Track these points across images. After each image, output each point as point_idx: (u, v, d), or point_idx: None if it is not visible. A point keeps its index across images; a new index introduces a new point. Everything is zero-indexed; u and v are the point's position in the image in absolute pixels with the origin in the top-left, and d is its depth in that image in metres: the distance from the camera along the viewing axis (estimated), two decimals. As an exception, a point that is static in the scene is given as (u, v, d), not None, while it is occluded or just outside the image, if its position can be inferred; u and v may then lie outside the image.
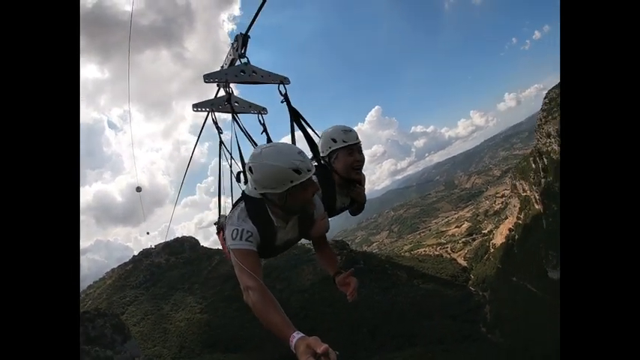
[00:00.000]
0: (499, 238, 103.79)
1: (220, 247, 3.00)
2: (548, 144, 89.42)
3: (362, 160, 2.93)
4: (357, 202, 3.12)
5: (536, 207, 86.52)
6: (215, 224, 3.11)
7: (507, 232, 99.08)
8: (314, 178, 2.56)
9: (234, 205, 2.53)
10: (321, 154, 2.95)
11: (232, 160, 3.07)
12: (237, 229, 2.22)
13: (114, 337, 51.97)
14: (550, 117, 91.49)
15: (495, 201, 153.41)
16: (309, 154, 2.91)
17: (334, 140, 2.87)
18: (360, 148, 2.94)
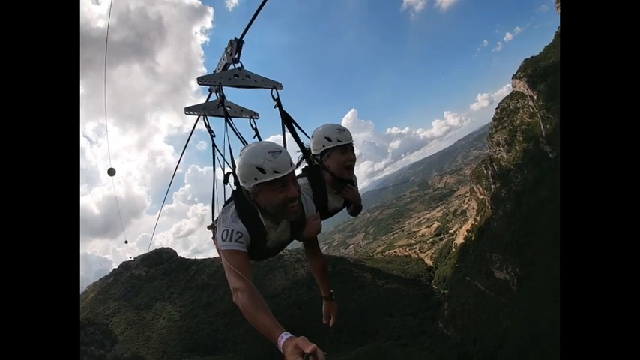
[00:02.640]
0: (459, 239, 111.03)
1: (203, 257, 4.34)
2: (497, 152, 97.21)
3: (354, 159, 2.90)
4: (352, 204, 3.12)
5: (489, 210, 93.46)
6: (209, 228, 3.14)
7: (466, 232, 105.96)
8: (304, 180, 2.80)
9: (224, 205, 2.50)
10: (313, 152, 2.91)
11: (225, 163, 2.95)
12: (228, 230, 2.20)
13: (104, 342, 58.27)
14: (500, 126, 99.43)
15: (464, 201, 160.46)
16: (297, 156, 2.95)
17: (328, 139, 2.82)
18: (353, 147, 2.92)
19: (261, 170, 2.12)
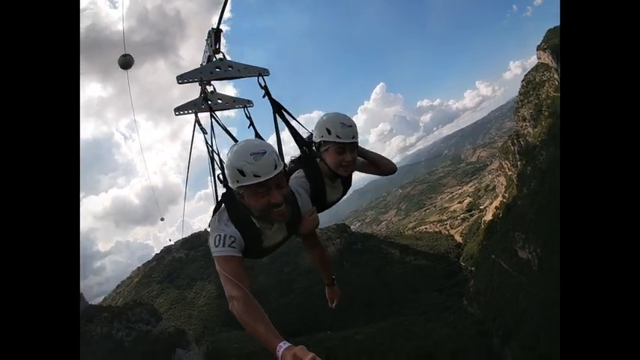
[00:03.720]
0: (488, 215, 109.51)
1: None
2: (524, 127, 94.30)
3: (351, 160, 2.75)
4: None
5: (515, 188, 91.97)
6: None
7: (494, 209, 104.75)
8: (300, 172, 2.73)
9: (215, 209, 2.43)
10: (314, 140, 2.79)
11: (214, 161, 2.81)
12: (220, 235, 2.12)
13: (149, 319, 65.27)
14: (526, 100, 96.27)
15: (496, 176, 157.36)
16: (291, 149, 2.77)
17: (328, 131, 2.67)
18: (354, 146, 2.76)
19: (242, 173, 2.05)
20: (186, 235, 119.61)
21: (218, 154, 2.72)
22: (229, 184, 2.19)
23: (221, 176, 2.37)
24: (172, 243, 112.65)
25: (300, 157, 2.84)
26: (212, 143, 2.87)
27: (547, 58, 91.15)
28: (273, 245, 2.49)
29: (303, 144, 2.86)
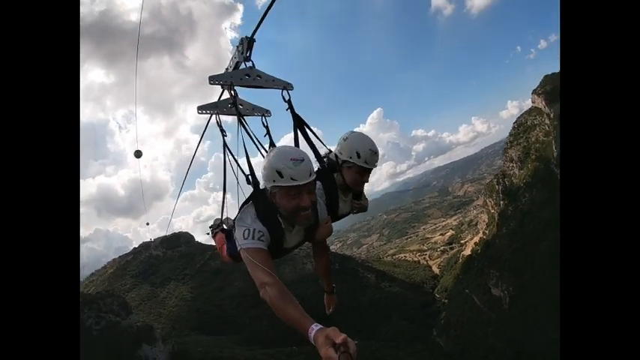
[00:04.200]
0: (467, 250, 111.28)
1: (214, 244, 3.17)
2: (510, 167, 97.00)
3: (368, 181, 2.98)
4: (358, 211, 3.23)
5: (495, 226, 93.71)
6: (210, 227, 3.23)
7: (474, 245, 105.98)
8: (318, 184, 2.71)
9: (241, 207, 2.55)
10: (339, 154, 2.92)
11: (237, 163, 3.00)
12: (249, 229, 2.26)
13: (120, 312, 65.02)
14: (515, 142, 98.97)
15: (480, 212, 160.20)
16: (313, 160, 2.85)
17: (358, 155, 2.83)
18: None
19: (280, 174, 2.20)
20: (167, 233, 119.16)
21: (247, 156, 2.79)
22: (264, 183, 2.36)
23: (250, 177, 2.59)
24: (151, 239, 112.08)
25: (318, 169, 2.88)
26: (238, 147, 3.00)
27: (541, 103, 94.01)
28: (291, 247, 2.63)
29: (321, 158, 3.01)
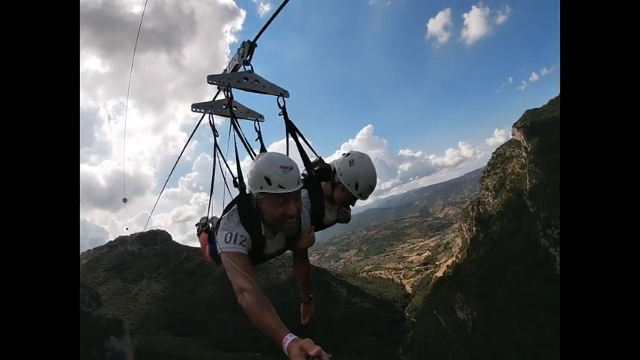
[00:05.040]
0: (440, 272, 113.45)
1: (196, 246, 3.10)
2: (485, 196, 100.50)
3: (354, 205, 3.01)
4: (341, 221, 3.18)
5: (466, 251, 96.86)
6: (196, 225, 3.12)
7: (446, 267, 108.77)
8: (304, 192, 2.66)
9: (226, 209, 2.54)
10: (338, 171, 2.87)
11: (227, 164, 2.96)
12: (231, 233, 2.23)
13: (90, 303, 65.31)
14: (492, 171, 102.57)
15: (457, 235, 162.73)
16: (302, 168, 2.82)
17: (357, 186, 2.81)
18: None
19: (268, 181, 2.17)
20: (145, 230, 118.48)
21: (237, 158, 2.73)
22: (251, 189, 2.31)
23: (237, 181, 2.51)
24: (129, 235, 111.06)
25: (306, 178, 2.84)
26: (228, 147, 2.95)
27: (520, 137, 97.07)
28: (271, 254, 2.58)
29: (310, 166, 2.94)
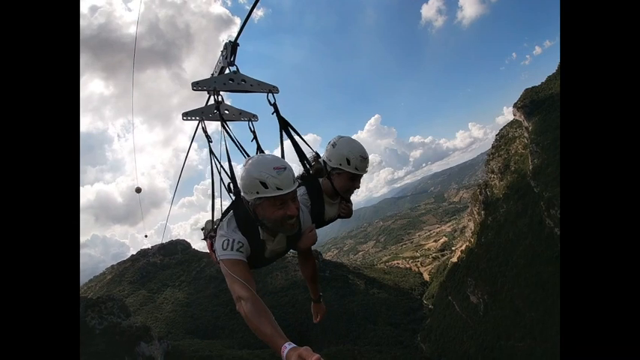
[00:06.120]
0: (454, 258, 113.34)
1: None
2: (492, 179, 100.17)
3: (359, 187, 2.91)
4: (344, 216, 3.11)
5: (476, 235, 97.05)
6: (202, 229, 3.06)
7: (460, 252, 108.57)
8: (302, 189, 2.70)
9: (223, 215, 2.47)
10: (328, 161, 2.85)
11: (222, 169, 2.85)
12: (228, 240, 2.19)
13: (120, 314, 70.17)
14: (497, 154, 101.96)
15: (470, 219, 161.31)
16: (297, 165, 2.79)
17: (348, 161, 2.77)
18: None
19: (264, 185, 2.11)
20: (165, 240, 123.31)
21: (229, 163, 2.70)
22: (246, 195, 2.25)
23: (231, 186, 2.53)
24: (149, 247, 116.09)
25: (303, 175, 2.85)
26: (220, 152, 2.92)
27: (520, 117, 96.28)
28: (272, 256, 2.56)
29: (307, 162, 2.91)
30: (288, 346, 1.68)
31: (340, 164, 2.79)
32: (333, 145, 2.87)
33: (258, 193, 2.15)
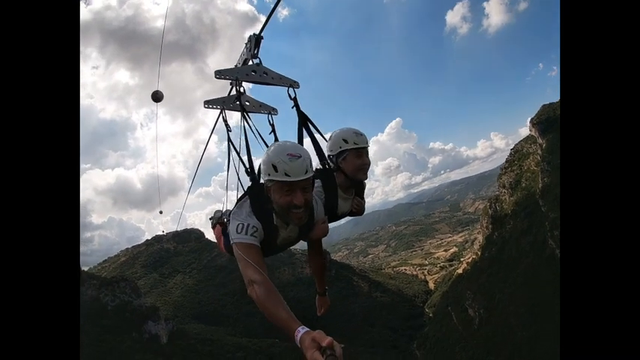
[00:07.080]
0: (460, 269, 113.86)
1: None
2: (503, 194, 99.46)
3: (369, 163, 2.92)
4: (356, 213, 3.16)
5: (481, 249, 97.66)
6: (210, 219, 3.11)
7: (466, 264, 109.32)
8: (317, 183, 2.69)
9: (238, 200, 2.50)
10: (330, 153, 2.91)
11: (240, 158, 2.86)
12: (243, 224, 2.19)
13: (131, 294, 75.55)
14: (510, 169, 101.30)
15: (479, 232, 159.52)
16: (316, 159, 2.80)
17: (345, 141, 2.82)
18: (367, 152, 2.91)
19: (275, 168, 2.14)
20: (180, 228, 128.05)
21: (248, 152, 2.74)
22: (261, 177, 2.29)
23: (249, 170, 2.60)
24: (164, 233, 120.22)
25: (320, 168, 2.88)
26: (240, 141, 2.92)
27: (536, 133, 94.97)
28: (283, 245, 2.56)
29: (324, 157, 2.95)
30: (301, 330, 1.66)
31: (340, 147, 2.86)
32: (329, 138, 3.00)
33: (269, 175, 2.18)
